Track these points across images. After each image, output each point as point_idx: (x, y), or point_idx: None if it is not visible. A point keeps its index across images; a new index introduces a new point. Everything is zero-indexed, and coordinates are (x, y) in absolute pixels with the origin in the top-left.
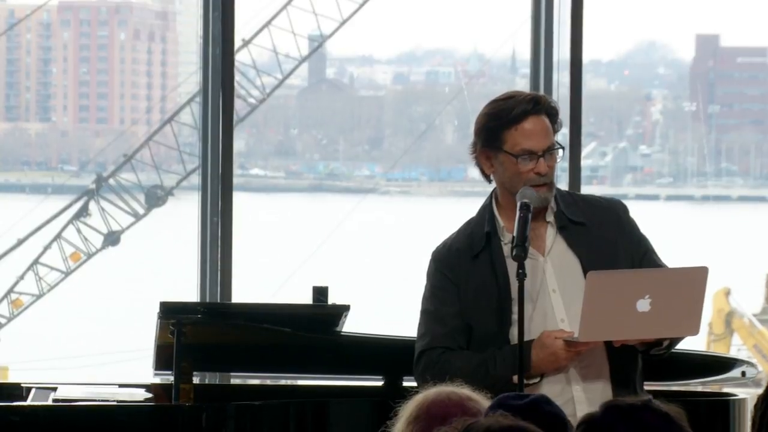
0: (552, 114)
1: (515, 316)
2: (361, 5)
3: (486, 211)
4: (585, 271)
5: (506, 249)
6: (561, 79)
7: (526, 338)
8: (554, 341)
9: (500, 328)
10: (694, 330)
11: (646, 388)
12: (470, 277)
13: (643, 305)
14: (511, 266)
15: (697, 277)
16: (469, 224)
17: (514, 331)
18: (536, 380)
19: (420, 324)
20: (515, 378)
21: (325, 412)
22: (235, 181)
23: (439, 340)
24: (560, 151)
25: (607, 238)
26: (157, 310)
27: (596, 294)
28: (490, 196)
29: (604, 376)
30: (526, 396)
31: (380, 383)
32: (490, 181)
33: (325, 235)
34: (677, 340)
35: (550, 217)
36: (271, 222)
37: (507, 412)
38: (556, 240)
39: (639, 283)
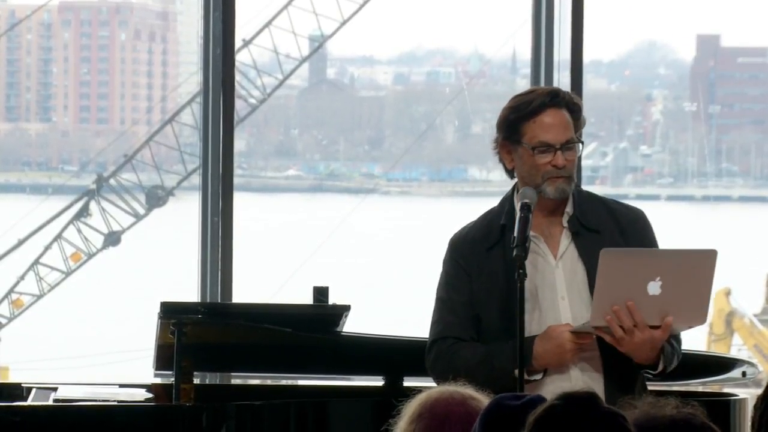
0: (574, 110)
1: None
2: (362, 5)
3: (506, 203)
4: (590, 281)
5: None
6: (561, 79)
7: None
8: (560, 333)
9: (508, 323)
10: (702, 319)
11: (653, 388)
12: (483, 268)
13: (654, 288)
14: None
15: (706, 259)
16: (489, 214)
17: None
18: (538, 376)
19: (434, 311)
20: (517, 372)
21: (326, 412)
22: (236, 181)
23: (451, 329)
24: (580, 146)
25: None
26: (158, 310)
27: (609, 273)
28: (512, 189)
29: (602, 377)
30: (522, 396)
31: (381, 383)
32: (512, 177)
33: (326, 235)
34: (672, 363)
35: (565, 222)
36: (271, 222)
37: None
38: (570, 246)
39: (651, 263)
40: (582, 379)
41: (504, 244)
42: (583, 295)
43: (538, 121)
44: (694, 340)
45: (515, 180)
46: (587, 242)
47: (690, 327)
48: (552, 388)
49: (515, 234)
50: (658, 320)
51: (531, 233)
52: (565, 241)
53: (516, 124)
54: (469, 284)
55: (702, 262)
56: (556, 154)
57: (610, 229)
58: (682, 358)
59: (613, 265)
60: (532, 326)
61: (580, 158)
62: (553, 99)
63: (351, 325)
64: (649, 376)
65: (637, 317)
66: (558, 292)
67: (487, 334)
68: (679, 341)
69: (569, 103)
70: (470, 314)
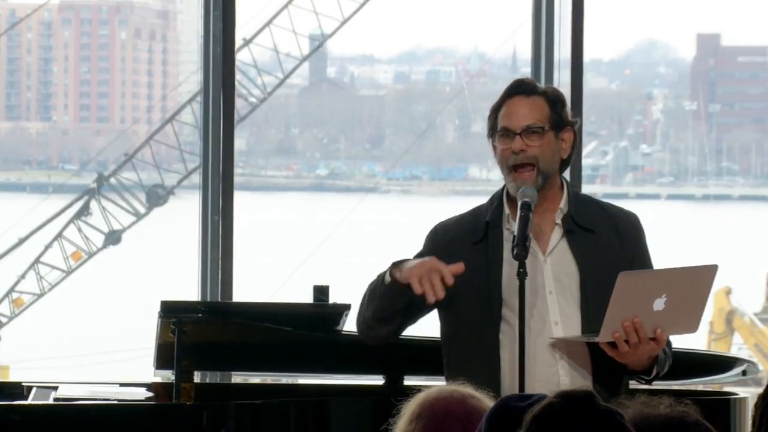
0: (551, 100)
1: (505, 309)
2: (362, 4)
3: (495, 201)
4: (582, 280)
5: (510, 237)
6: (562, 78)
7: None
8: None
9: (490, 319)
10: (694, 328)
11: (652, 387)
12: (466, 262)
13: (659, 304)
14: (508, 257)
15: (707, 274)
16: (477, 210)
17: (504, 326)
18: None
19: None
20: (386, 277)
21: (326, 411)
22: (236, 180)
23: None
24: (544, 131)
25: (611, 249)
26: (158, 308)
27: (623, 295)
28: (503, 187)
29: (590, 380)
30: (529, 397)
31: (381, 382)
32: None
33: (326, 235)
34: (664, 368)
35: (558, 219)
36: (271, 221)
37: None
38: (560, 242)
39: (660, 282)
40: (571, 377)
41: (488, 240)
42: (573, 292)
43: (502, 110)
44: (694, 339)
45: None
46: (581, 241)
47: (681, 333)
48: (544, 390)
49: (515, 233)
50: (654, 333)
51: None
52: (556, 238)
53: (493, 118)
54: None
55: (703, 277)
56: (514, 139)
57: (607, 231)
58: (683, 357)
59: (627, 287)
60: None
61: (579, 157)
62: (516, 87)
63: (351, 324)
64: (643, 381)
65: (641, 334)
66: (546, 287)
67: (465, 328)
68: (669, 345)
69: (540, 92)
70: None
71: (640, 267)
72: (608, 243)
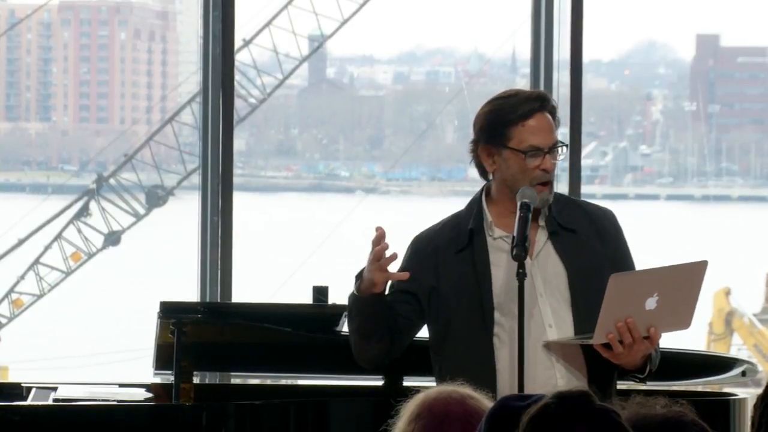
0: (553, 112)
1: (497, 313)
2: (362, 5)
3: (474, 206)
4: (570, 281)
5: (493, 243)
6: (561, 78)
7: (515, 344)
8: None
9: (483, 325)
10: (687, 324)
11: (649, 388)
12: (452, 271)
13: (651, 303)
14: (495, 263)
15: (698, 271)
16: (456, 217)
17: (497, 330)
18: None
19: None
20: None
21: (326, 412)
22: (236, 180)
23: None
24: (563, 149)
25: (594, 248)
26: (158, 309)
27: (615, 296)
28: (481, 190)
29: (585, 381)
30: (528, 397)
31: (380, 383)
32: (487, 179)
33: (326, 235)
34: (655, 365)
35: (542, 222)
36: (271, 222)
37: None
38: (546, 245)
39: (652, 281)
40: (567, 379)
41: (473, 247)
42: (563, 293)
43: (527, 126)
44: (693, 339)
45: (485, 182)
46: (565, 241)
47: (674, 330)
48: (542, 390)
49: (515, 233)
50: (646, 331)
51: (503, 233)
52: (541, 240)
53: (501, 127)
54: (415, 291)
55: (694, 274)
56: (545, 157)
57: (587, 230)
58: (682, 358)
59: (619, 289)
60: (512, 324)
61: (579, 158)
62: (542, 103)
63: None
64: (637, 379)
65: (635, 333)
66: (536, 289)
67: (457, 336)
68: (658, 342)
69: (553, 108)
70: (404, 304)
71: (622, 264)
72: (590, 242)
